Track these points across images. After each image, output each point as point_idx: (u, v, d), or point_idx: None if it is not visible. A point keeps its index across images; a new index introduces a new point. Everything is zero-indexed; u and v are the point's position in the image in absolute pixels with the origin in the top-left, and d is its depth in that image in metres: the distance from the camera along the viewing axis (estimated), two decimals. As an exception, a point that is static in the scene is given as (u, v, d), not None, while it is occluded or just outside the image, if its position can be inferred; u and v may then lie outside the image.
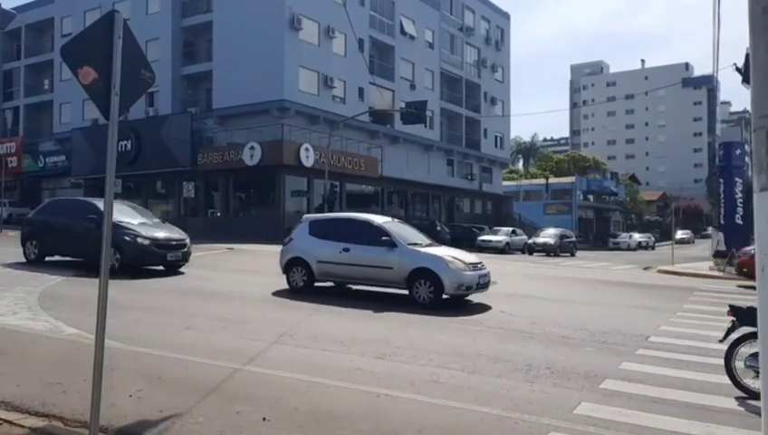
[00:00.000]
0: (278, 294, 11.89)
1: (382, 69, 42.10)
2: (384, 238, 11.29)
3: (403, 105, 36.18)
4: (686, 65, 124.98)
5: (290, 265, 12.26)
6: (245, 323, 8.97)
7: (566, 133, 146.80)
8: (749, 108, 2.91)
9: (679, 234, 61.14)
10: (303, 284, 12.01)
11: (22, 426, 4.46)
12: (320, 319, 9.59)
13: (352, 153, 36.43)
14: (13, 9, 47.11)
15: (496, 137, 55.70)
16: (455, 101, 50.03)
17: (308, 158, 32.65)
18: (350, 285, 12.58)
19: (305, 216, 13.77)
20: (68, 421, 4.65)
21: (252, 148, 32.13)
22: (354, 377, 6.20)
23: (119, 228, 13.30)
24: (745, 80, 15.44)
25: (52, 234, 14.78)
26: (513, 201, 60.16)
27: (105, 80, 4.26)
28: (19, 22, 43.92)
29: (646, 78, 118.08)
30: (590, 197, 70.26)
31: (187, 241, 14.80)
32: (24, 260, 15.06)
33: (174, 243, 14.35)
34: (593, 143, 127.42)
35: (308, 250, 12.04)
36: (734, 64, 18.16)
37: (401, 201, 43.91)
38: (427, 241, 12.31)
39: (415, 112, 32.00)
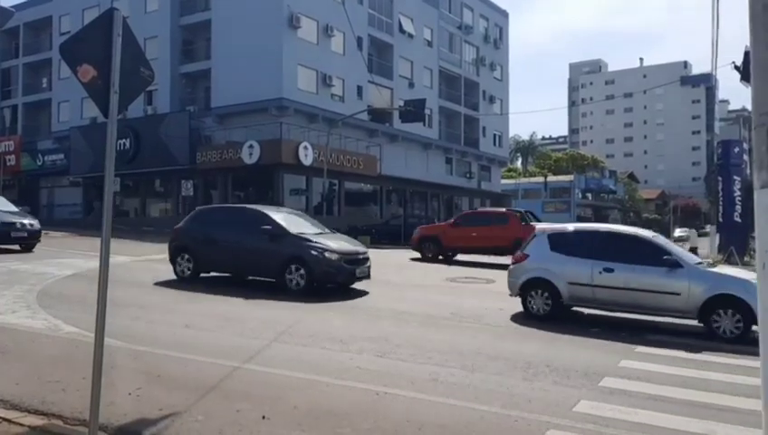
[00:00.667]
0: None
1: (381, 67, 42.07)
2: (666, 257, 9.32)
3: (402, 104, 36.17)
4: (685, 63, 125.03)
5: (528, 287, 10.22)
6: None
7: (565, 132, 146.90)
8: (747, 106, 2.91)
9: (677, 232, 61.30)
10: (548, 309, 9.96)
11: (21, 424, 4.46)
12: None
13: (351, 152, 36.42)
14: (11, 7, 47.09)
15: (495, 135, 55.71)
16: (453, 99, 50.02)
17: (307, 156, 32.64)
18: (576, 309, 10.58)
19: (539, 227, 11.45)
20: (67, 420, 4.65)
21: (250, 146, 32.10)
22: (354, 375, 6.21)
23: (300, 240, 11.87)
24: (744, 78, 15.47)
25: (211, 247, 12.63)
26: (512, 199, 60.18)
27: (104, 78, 4.25)
28: (17, 20, 43.87)
29: (644, 76, 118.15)
30: (589, 195, 70.41)
31: (369, 254, 12.85)
32: (174, 277, 12.88)
33: (360, 256, 12.31)
34: (592, 141, 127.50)
35: (553, 269, 10.01)
36: (733, 62, 18.20)
37: (400, 200, 43.92)
38: (701, 259, 10.34)
39: (413, 111, 32.03)
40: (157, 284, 12.36)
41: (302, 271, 11.55)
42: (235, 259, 12.45)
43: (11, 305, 9.26)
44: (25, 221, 17.60)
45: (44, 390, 5.31)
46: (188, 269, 12.75)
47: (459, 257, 20.74)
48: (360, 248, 12.70)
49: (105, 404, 4.43)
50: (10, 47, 49.20)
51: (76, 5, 42.24)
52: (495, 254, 20.21)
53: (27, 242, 17.52)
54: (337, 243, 12.25)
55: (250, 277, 13.02)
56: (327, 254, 11.62)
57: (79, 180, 40.89)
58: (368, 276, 12.36)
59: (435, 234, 21.52)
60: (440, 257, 20.34)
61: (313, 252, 11.61)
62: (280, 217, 12.66)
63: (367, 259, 12.38)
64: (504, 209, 24.37)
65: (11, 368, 6.03)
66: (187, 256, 12.78)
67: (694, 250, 24.24)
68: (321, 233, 12.76)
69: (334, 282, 11.97)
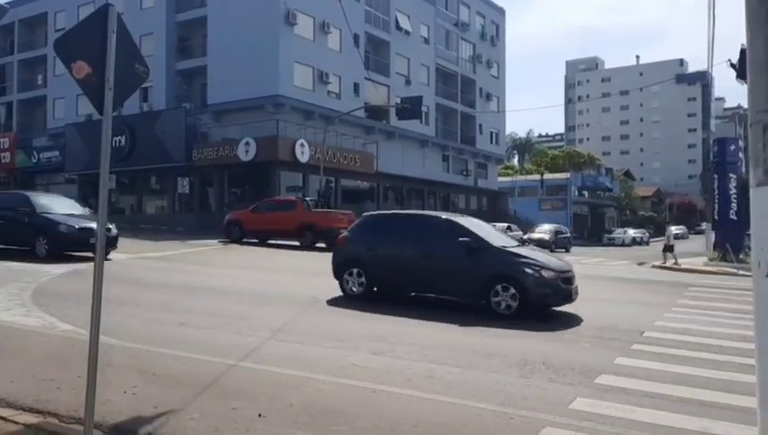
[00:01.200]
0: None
1: (377, 64, 42.03)
2: None
3: (398, 101, 36.15)
4: (681, 61, 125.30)
5: None
6: None
7: (561, 129, 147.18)
8: (743, 104, 2.91)
9: (673, 229, 61.47)
10: None
11: (16, 422, 4.44)
12: None
13: (348, 149, 36.38)
14: (6, 3, 46.89)
15: (492, 133, 55.73)
16: (450, 96, 50.01)
17: (303, 153, 32.59)
18: None
19: None
20: (62, 418, 4.63)
21: (247, 143, 32.04)
22: (350, 373, 6.20)
23: (509, 255, 10.25)
24: (740, 75, 15.47)
25: (388, 261, 11.00)
26: (509, 197, 60.26)
27: (99, 74, 4.23)
28: (12, 17, 43.68)
29: (640, 74, 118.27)
30: (585, 193, 70.47)
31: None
32: (340, 294, 11.20)
33: (571, 274, 10.44)
34: (588, 139, 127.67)
35: None
36: (729, 60, 18.19)
37: (397, 197, 43.91)
38: None
39: (410, 108, 32.03)
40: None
41: (513, 292, 9.81)
42: (420, 276, 10.77)
43: (5, 303, 9.23)
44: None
45: (39, 388, 5.28)
46: (359, 285, 11.06)
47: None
48: (569, 266, 10.86)
49: (100, 402, 4.41)
50: (5, 44, 49.00)
51: (71, 2, 42.05)
52: (285, 237, 22.83)
53: (106, 249, 16.19)
54: (547, 258, 10.68)
55: (413, 293, 11.45)
56: (544, 272, 9.91)
57: (74, 177, 40.76)
58: (575, 298, 10.41)
59: (238, 218, 23.69)
60: (243, 240, 22.99)
61: (528, 270, 9.90)
62: (474, 226, 11.11)
63: (574, 277, 10.53)
64: (293, 197, 25.87)
65: (5, 366, 6.01)
66: (357, 271, 11.08)
67: (670, 248, 24.34)
68: (518, 245, 11.29)
69: (548, 304, 10.27)
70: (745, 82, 2.82)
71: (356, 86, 39.89)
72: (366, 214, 13.08)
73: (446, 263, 10.45)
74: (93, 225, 15.35)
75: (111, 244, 15.81)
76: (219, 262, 17.13)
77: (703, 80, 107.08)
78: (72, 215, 15.93)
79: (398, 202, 43.49)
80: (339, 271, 11.41)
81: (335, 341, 7.62)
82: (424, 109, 39.14)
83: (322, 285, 12.49)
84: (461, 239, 10.33)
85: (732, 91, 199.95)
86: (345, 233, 12.25)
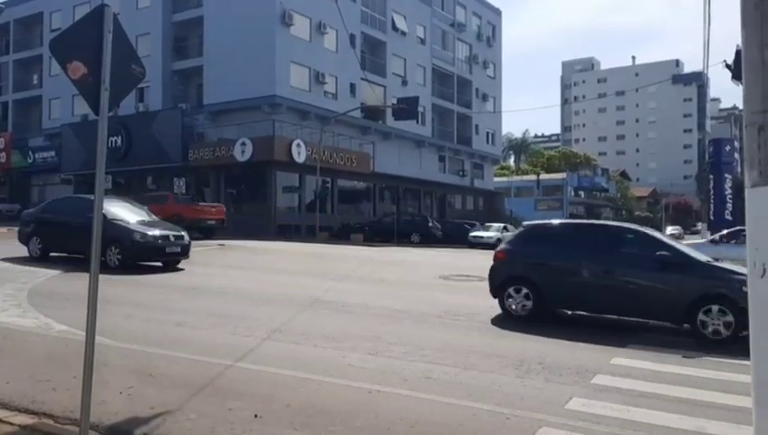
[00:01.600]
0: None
1: (374, 65, 42.03)
2: None
3: (395, 101, 36.19)
4: (677, 62, 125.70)
5: None
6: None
7: (557, 130, 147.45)
8: (739, 105, 2.92)
9: (669, 230, 61.77)
10: None
11: (11, 423, 4.43)
12: None
13: (344, 149, 36.39)
14: (1, 4, 46.83)
15: (488, 133, 55.79)
16: (446, 97, 50.05)
17: (299, 154, 32.58)
18: None
19: None
20: (58, 419, 4.62)
21: (243, 144, 32.02)
22: (346, 373, 6.20)
23: (722, 272, 8.99)
24: (735, 76, 15.54)
25: (563, 277, 9.68)
26: (505, 197, 60.39)
27: (95, 75, 4.22)
28: (7, 16, 43.65)
29: (636, 74, 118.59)
30: (581, 193, 70.73)
31: None
32: (508, 313, 9.79)
33: None
34: (584, 139, 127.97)
35: None
36: (724, 61, 18.27)
37: (393, 197, 43.91)
38: None
39: (406, 108, 32.12)
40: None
41: (726, 314, 8.44)
42: (603, 294, 9.40)
43: (1, 304, 9.19)
44: (176, 233, 14.86)
45: (35, 389, 5.27)
46: (527, 305, 9.70)
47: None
48: None
49: (96, 403, 4.40)
50: (0, 44, 48.88)
51: (67, 2, 41.97)
52: None
53: (179, 258, 14.95)
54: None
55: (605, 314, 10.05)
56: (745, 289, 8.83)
57: (70, 178, 40.70)
58: None
59: None
60: None
61: (746, 289, 8.78)
62: (665, 237, 9.97)
63: None
64: (168, 193, 28.41)
65: (1, 367, 5.98)
66: (524, 289, 9.74)
67: None
68: (717, 259, 10.18)
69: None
70: (741, 83, 2.83)
71: (352, 86, 39.88)
72: (527, 223, 11.62)
73: (636, 280, 9.23)
74: (166, 232, 14.74)
75: (185, 252, 15.01)
76: (218, 262, 17.10)
77: (699, 80, 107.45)
78: (142, 222, 14.91)
79: (395, 202, 43.51)
80: (500, 289, 10.02)
81: (332, 341, 7.61)
82: (420, 109, 39.20)
83: (325, 286, 12.51)
84: (659, 253, 9.06)
85: (727, 92, 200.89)
86: (504, 245, 10.85)
